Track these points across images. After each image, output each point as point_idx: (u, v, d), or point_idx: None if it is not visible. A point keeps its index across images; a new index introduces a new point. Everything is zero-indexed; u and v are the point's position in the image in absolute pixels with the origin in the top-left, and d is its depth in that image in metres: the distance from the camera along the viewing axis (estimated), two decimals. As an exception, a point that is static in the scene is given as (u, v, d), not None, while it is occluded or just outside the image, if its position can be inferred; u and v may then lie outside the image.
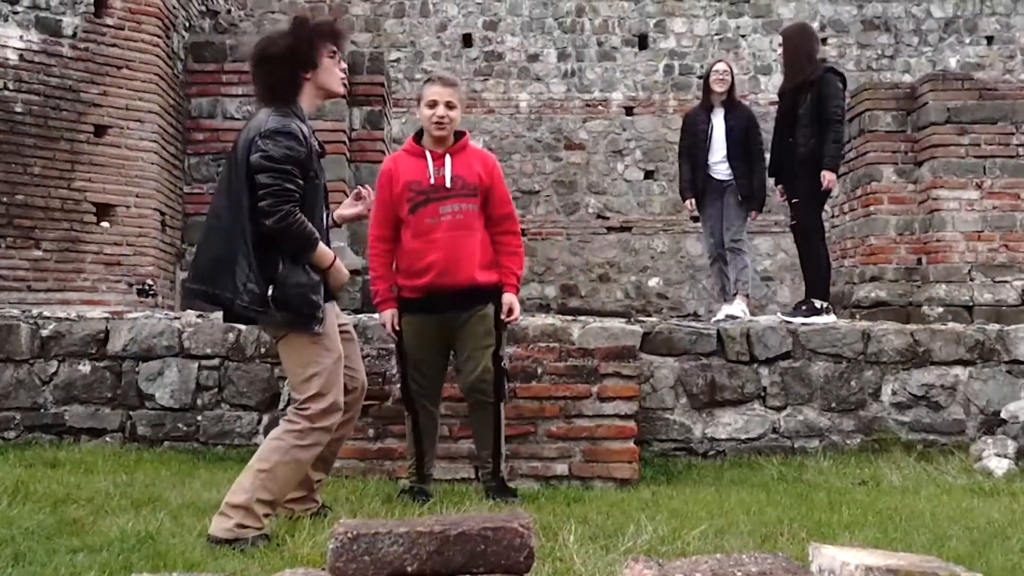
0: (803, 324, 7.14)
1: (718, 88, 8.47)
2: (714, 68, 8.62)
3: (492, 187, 5.27)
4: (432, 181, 5.16)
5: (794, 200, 7.91)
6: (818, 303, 7.67)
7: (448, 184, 5.16)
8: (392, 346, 6.05)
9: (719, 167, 8.40)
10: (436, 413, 5.38)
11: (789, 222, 8.12)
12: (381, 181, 5.28)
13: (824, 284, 7.90)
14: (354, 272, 10.45)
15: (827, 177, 7.62)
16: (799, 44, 8.02)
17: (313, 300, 4.13)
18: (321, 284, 4.20)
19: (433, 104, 5.20)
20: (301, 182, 4.13)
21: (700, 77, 16.41)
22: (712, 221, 8.51)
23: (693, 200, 8.52)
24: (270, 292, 4.06)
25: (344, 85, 4.47)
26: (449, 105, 5.19)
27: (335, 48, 4.35)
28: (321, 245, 4.20)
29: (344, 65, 4.44)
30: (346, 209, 4.87)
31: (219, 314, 6.77)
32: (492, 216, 5.28)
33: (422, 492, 5.25)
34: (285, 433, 4.14)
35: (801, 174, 7.82)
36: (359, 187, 4.93)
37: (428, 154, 5.22)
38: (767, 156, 8.38)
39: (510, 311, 5.25)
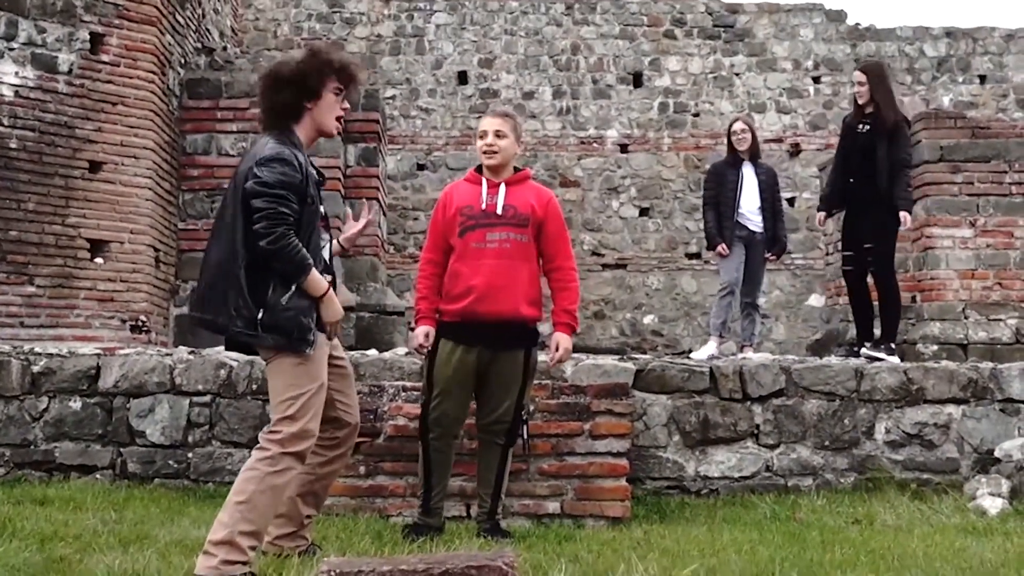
0: (876, 361, 7.26)
1: (741, 147, 8.77)
2: (733, 129, 8.92)
3: (546, 221, 5.25)
4: (483, 207, 5.18)
5: (867, 245, 7.82)
6: (893, 346, 7.74)
7: (499, 212, 5.17)
8: (384, 383, 6.05)
9: (751, 216, 8.69)
10: (451, 446, 5.28)
11: (844, 265, 8.09)
12: (437, 206, 5.36)
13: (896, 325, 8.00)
14: (348, 309, 10.44)
15: (907, 218, 7.69)
16: (891, 85, 7.98)
17: (304, 323, 4.12)
18: (312, 308, 4.19)
19: (483, 134, 5.29)
20: (296, 207, 4.15)
21: (695, 115, 16.64)
22: (736, 261, 8.68)
23: (724, 245, 8.63)
24: (260, 315, 4.07)
25: (339, 126, 4.48)
26: (498, 134, 5.25)
27: (341, 86, 4.38)
28: (314, 272, 4.18)
29: (346, 105, 4.48)
30: (348, 231, 4.92)
31: (211, 350, 6.81)
32: (545, 251, 5.27)
33: (425, 527, 5.16)
34: (257, 462, 4.10)
35: (884, 217, 7.73)
36: (351, 209, 4.96)
37: (484, 182, 5.27)
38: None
39: (557, 350, 5.21)
